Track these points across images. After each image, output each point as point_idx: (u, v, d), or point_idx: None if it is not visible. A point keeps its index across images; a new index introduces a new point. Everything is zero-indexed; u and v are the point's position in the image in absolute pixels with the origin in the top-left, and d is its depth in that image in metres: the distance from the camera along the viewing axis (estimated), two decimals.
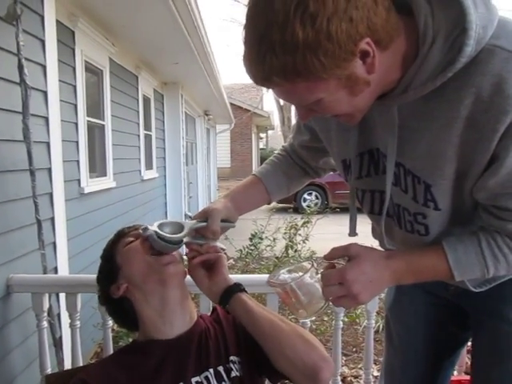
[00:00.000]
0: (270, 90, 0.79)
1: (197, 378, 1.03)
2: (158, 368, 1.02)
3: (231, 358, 1.08)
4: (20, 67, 1.84)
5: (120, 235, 1.18)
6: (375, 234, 1.12)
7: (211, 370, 1.05)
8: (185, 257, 1.15)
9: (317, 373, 0.97)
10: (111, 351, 1.80)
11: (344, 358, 2.99)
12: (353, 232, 1.06)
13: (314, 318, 0.92)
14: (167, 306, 1.07)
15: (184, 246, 1.09)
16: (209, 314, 1.24)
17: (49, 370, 1.82)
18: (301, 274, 0.88)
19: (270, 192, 1.19)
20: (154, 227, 1.03)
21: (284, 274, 0.93)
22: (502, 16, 0.75)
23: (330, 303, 0.90)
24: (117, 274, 1.11)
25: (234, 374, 1.05)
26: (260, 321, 1.02)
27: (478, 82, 0.73)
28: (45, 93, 2.22)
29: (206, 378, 1.03)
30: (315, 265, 0.90)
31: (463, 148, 0.78)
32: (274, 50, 0.67)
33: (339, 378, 1.88)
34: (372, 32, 0.69)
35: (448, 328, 1.16)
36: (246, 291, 1.09)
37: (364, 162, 0.96)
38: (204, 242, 1.07)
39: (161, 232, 1.02)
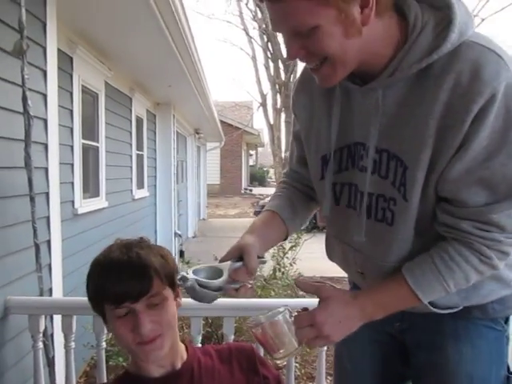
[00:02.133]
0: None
1: None
2: None
3: None
4: (24, 99, 1.93)
5: (114, 298, 1.00)
6: (332, 249, 1.15)
7: None
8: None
9: None
10: (104, 371, 1.87)
11: (329, 378, 3.07)
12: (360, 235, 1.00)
13: (288, 358, 0.95)
14: (148, 361, 1.05)
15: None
16: (200, 338, 1.27)
17: None
18: (277, 317, 0.91)
19: (288, 225, 1.11)
20: (191, 275, 0.93)
21: (261, 317, 0.94)
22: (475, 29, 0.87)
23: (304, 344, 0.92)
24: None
25: None
26: None
27: (458, 68, 0.80)
28: (45, 120, 2.32)
29: None
30: (290, 308, 0.94)
31: (438, 133, 0.83)
32: None
33: None
34: None
35: (394, 365, 1.16)
36: None
37: (343, 156, 1.00)
38: (240, 285, 0.97)
39: (201, 279, 0.93)
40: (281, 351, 0.92)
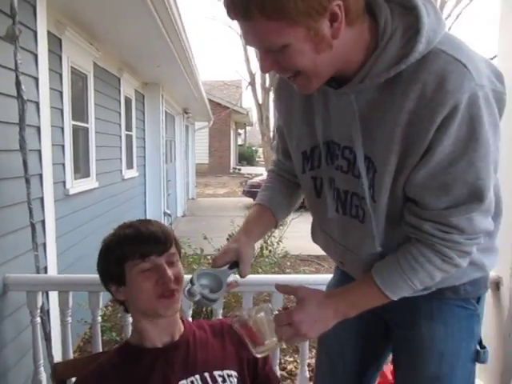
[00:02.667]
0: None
1: (183, 381, 1.12)
2: (147, 375, 1.12)
3: (227, 371, 1.17)
4: (18, 83, 1.98)
5: (139, 251, 1.12)
6: (316, 235, 1.22)
7: (197, 377, 1.14)
8: None
9: None
10: (100, 345, 1.97)
11: (313, 351, 3.21)
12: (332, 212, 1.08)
13: (269, 353, 1.04)
14: (157, 324, 1.16)
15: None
16: (191, 312, 1.38)
17: (41, 362, 1.98)
18: (259, 314, 1.00)
19: (278, 217, 1.21)
20: (197, 287, 1.01)
21: (245, 313, 1.02)
22: (448, 32, 0.88)
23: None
24: (120, 285, 1.15)
25: None
26: None
27: (424, 79, 0.82)
28: (37, 103, 2.36)
29: (192, 382, 1.13)
30: (271, 306, 1.05)
31: (404, 140, 0.86)
32: None
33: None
34: None
35: (374, 340, 1.24)
36: None
37: (323, 151, 1.04)
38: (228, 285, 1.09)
39: (207, 295, 1.03)
40: (261, 346, 1.00)
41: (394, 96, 0.86)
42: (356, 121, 0.92)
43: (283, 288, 1.06)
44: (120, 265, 1.14)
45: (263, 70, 0.89)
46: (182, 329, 1.22)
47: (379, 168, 0.92)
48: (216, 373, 1.16)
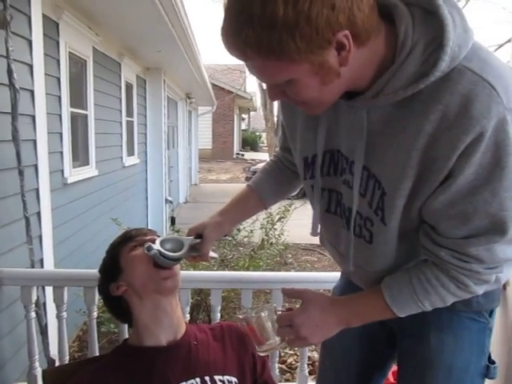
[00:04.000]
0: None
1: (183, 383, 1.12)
2: (147, 374, 1.11)
3: (228, 377, 1.17)
4: (9, 71, 1.91)
5: (127, 237, 1.24)
6: (323, 242, 1.17)
7: (197, 379, 1.13)
8: None
9: None
10: (96, 340, 1.94)
11: (317, 351, 3.19)
12: (315, 232, 1.09)
13: (271, 352, 1.06)
14: (160, 312, 1.16)
15: None
16: (189, 308, 1.36)
17: (36, 357, 1.95)
18: (263, 313, 1.01)
19: (265, 200, 1.24)
20: (157, 245, 1.11)
21: (250, 312, 1.04)
22: (476, 41, 0.78)
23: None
24: (118, 275, 1.19)
25: None
26: None
27: (447, 100, 0.74)
28: (31, 92, 2.29)
29: None
30: (275, 305, 1.04)
31: (422, 165, 0.79)
32: (252, 22, 0.68)
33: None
34: (352, 25, 0.69)
35: (379, 347, 1.20)
36: None
37: (325, 161, 0.98)
38: (197, 254, 1.18)
39: (164, 251, 1.11)
40: (264, 346, 1.00)
41: (411, 114, 0.79)
42: (363, 139, 0.86)
43: (289, 292, 1.03)
44: (114, 258, 1.21)
45: (271, 99, 0.88)
46: (184, 329, 1.22)
47: (390, 191, 0.85)
48: (217, 377, 1.16)
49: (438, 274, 0.87)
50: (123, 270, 1.19)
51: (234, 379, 1.17)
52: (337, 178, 0.98)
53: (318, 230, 1.10)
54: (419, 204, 0.84)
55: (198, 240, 1.16)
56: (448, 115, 0.74)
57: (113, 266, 1.21)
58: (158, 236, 1.25)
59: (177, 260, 1.15)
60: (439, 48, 0.73)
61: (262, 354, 1.06)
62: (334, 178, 0.98)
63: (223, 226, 1.20)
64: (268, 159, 1.34)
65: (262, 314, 1.00)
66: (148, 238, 1.21)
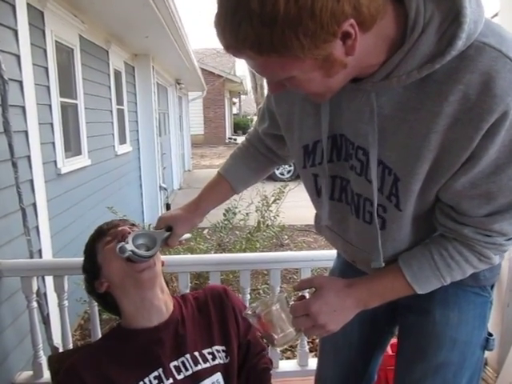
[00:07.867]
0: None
1: (174, 363, 1.14)
2: (138, 356, 1.13)
3: (216, 347, 1.20)
4: None
5: (100, 233, 1.23)
6: (321, 229, 1.13)
7: (187, 356, 1.16)
8: None
9: None
10: (98, 326, 1.97)
11: None
12: (326, 220, 1.04)
13: (288, 345, 0.97)
14: (147, 303, 1.17)
15: None
16: (188, 291, 1.36)
17: (40, 346, 1.98)
18: (274, 306, 0.93)
19: (235, 187, 1.24)
20: (130, 245, 1.09)
21: (258, 306, 0.95)
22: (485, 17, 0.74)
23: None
24: (99, 272, 1.19)
25: (218, 361, 1.18)
26: None
27: (467, 79, 0.70)
28: (20, 82, 2.28)
29: (183, 362, 1.15)
30: (286, 295, 0.97)
31: (441, 147, 0.76)
32: (250, 19, 0.62)
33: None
34: (357, 13, 0.64)
35: (380, 324, 1.19)
36: None
37: (326, 147, 0.93)
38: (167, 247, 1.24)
39: (137, 250, 1.10)
40: (280, 340, 0.93)
41: (425, 96, 0.74)
42: (374, 123, 0.80)
43: (300, 286, 0.98)
44: (91, 255, 1.21)
45: (271, 92, 0.82)
46: (172, 307, 1.23)
47: (403, 177, 0.82)
48: (205, 351, 1.20)
49: (460, 249, 0.86)
50: (101, 266, 1.19)
51: (221, 347, 1.21)
52: (341, 164, 0.94)
53: (328, 217, 1.04)
54: (437, 187, 0.82)
55: (168, 233, 1.18)
56: (469, 95, 0.70)
57: (92, 263, 1.21)
58: (132, 224, 1.27)
59: (150, 257, 1.15)
60: (455, 25, 0.68)
61: (279, 349, 0.98)
62: (338, 163, 0.94)
63: (193, 221, 1.22)
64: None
65: (273, 308, 0.93)
66: (120, 229, 1.20)
